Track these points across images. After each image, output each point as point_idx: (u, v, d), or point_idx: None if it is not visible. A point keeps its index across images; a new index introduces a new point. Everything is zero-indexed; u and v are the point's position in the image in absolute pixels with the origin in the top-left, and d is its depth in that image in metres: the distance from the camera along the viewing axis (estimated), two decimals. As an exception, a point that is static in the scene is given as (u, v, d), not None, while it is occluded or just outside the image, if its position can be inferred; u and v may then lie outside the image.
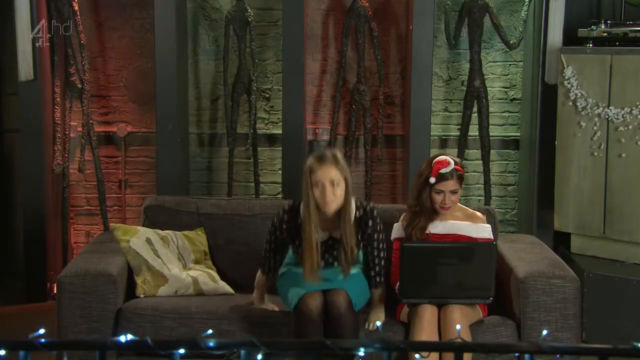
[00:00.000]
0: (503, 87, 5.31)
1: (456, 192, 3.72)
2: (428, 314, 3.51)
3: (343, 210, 3.44)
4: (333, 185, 3.39)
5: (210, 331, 1.67)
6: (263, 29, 5.23)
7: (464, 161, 5.03)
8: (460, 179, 3.72)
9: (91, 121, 5.09)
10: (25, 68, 4.81)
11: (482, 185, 5.24)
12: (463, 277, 3.56)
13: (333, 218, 3.46)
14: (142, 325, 3.65)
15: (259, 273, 3.72)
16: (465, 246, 3.66)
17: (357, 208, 3.52)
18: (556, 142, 4.73)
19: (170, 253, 3.98)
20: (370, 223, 3.52)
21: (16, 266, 5.31)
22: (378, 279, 3.63)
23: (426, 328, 3.49)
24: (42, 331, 1.59)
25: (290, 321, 3.54)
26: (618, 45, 4.59)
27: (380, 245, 3.59)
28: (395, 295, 3.73)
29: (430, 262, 3.58)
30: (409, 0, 5.00)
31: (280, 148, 5.09)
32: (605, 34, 4.62)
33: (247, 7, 5.05)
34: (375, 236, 3.56)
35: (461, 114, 5.17)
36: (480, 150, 5.18)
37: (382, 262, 3.62)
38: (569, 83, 4.62)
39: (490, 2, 4.99)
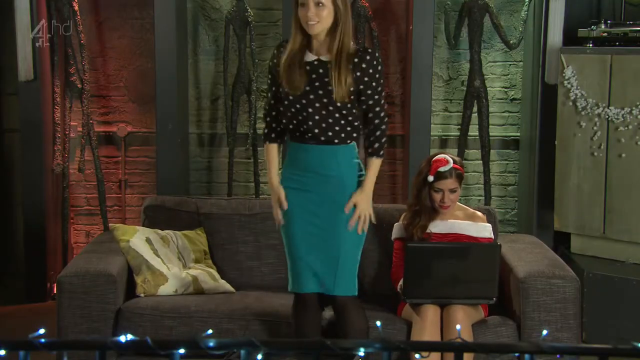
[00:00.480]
0: (503, 87, 5.31)
1: (455, 191, 3.72)
2: (431, 313, 3.52)
3: (334, 33, 3.21)
4: (318, 6, 3.17)
5: (210, 331, 1.67)
6: (263, 29, 5.23)
7: (464, 161, 5.03)
8: (459, 177, 3.73)
9: (91, 121, 5.09)
10: (25, 68, 4.82)
11: (482, 185, 5.24)
12: (467, 277, 3.56)
13: (326, 43, 3.24)
14: (142, 325, 3.66)
15: (265, 145, 3.49)
16: (469, 246, 3.67)
17: (356, 45, 3.33)
18: (556, 142, 4.73)
19: (170, 252, 3.98)
20: (367, 58, 3.23)
21: (16, 266, 5.31)
22: (374, 147, 3.33)
23: (428, 328, 3.49)
24: (42, 331, 1.59)
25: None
26: (618, 45, 4.59)
27: (381, 95, 3.29)
28: (396, 293, 3.74)
29: (434, 262, 3.58)
30: (409, 0, 5.00)
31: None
32: (605, 34, 4.62)
33: (247, 7, 5.05)
34: (374, 76, 3.24)
35: (461, 114, 5.18)
36: (480, 150, 5.18)
37: (384, 123, 3.32)
38: (569, 83, 4.62)
39: (490, 2, 4.99)
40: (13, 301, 4.97)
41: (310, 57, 3.26)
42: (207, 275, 3.98)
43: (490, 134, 5.15)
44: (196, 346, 1.55)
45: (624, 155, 4.49)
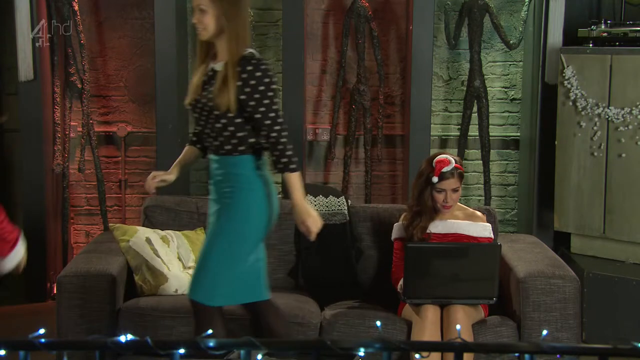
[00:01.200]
0: (503, 87, 5.31)
1: (457, 191, 3.73)
2: (430, 314, 3.52)
3: (221, 39, 3.10)
4: (201, 12, 3.07)
5: (210, 331, 1.67)
6: (263, 29, 5.23)
7: (463, 161, 5.03)
8: (461, 177, 3.74)
9: (91, 121, 5.09)
10: (25, 68, 4.81)
11: (482, 185, 5.24)
12: (466, 277, 3.56)
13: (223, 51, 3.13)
14: (142, 325, 3.66)
15: None
16: (469, 246, 3.67)
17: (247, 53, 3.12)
18: (556, 142, 4.73)
19: (170, 252, 3.98)
20: (249, 68, 3.04)
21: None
22: (281, 163, 3.08)
23: (428, 328, 3.50)
24: (42, 331, 1.59)
25: None
26: (618, 45, 4.59)
27: (270, 108, 3.05)
28: (396, 293, 3.74)
29: (434, 263, 3.59)
30: (409, 0, 5.00)
31: (280, 148, 5.09)
32: (605, 34, 4.62)
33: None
34: (257, 88, 3.03)
35: (461, 114, 5.18)
36: (480, 150, 5.18)
37: (282, 137, 3.06)
38: (569, 83, 4.62)
39: (490, 2, 4.99)
40: (13, 301, 4.97)
41: (210, 66, 3.18)
42: (207, 275, 3.98)
43: (490, 134, 5.15)
44: (196, 346, 1.55)
45: (624, 155, 4.49)
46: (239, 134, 3.11)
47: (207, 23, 3.08)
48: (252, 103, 3.05)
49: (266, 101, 3.06)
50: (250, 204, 3.15)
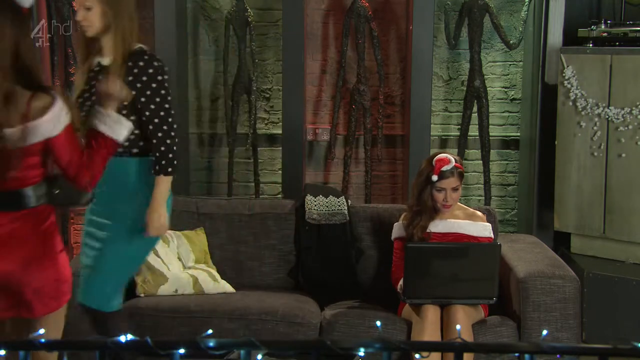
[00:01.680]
0: (503, 87, 5.31)
1: (457, 190, 3.74)
2: (430, 314, 3.52)
3: (107, 35, 3.01)
4: (87, 9, 2.98)
5: (210, 331, 1.67)
6: (263, 29, 5.23)
7: (464, 161, 5.03)
8: (461, 176, 3.74)
9: (91, 121, 5.09)
10: (25, 68, 4.81)
11: (482, 185, 5.24)
12: (466, 277, 3.56)
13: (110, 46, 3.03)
14: (142, 325, 3.66)
15: None
16: (469, 246, 3.67)
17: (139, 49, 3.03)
18: (556, 142, 4.73)
19: (170, 252, 3.98)
20: (141, 64, 2.97)
21: (16, 266, 5.30)
22: (159, 164, 3.03)
23: (428, 328, 3.50)
24: (42, 331, 1.59)
25: None
26: (618, 45, 4.59)
27: (161, 106, 2.99)
28: (396, 293, 3.74)
29: (434, 262, 3.59)
30: (409, 0, 5.00)
31: (280, 148, 5.10)
32: (605, 34, 4.62)
33: (247, 7, 5.05)
34: (149, 85, 2.97)
35: (461, 114, 5.18)
36: (480, 150, 5.18)
37: (169, 137, 3.01)
38: (569, 83, 4.62)
39: (490, 2, 4.99)
40: (13, 301, 4.96)
41: (97, 60, 3.08)
42: (207, 275, 3.98)
43: (490, 134, 5.15)
44: (196, 346, 1.55)
45: (624, 155, 4.49)
46: (136, 131, 3.02)
47: (93, 20, 3.00)
48: (143, 100, 2.99)
49: (158, 99, 3.00)
50: (143, 209, 3.07)
